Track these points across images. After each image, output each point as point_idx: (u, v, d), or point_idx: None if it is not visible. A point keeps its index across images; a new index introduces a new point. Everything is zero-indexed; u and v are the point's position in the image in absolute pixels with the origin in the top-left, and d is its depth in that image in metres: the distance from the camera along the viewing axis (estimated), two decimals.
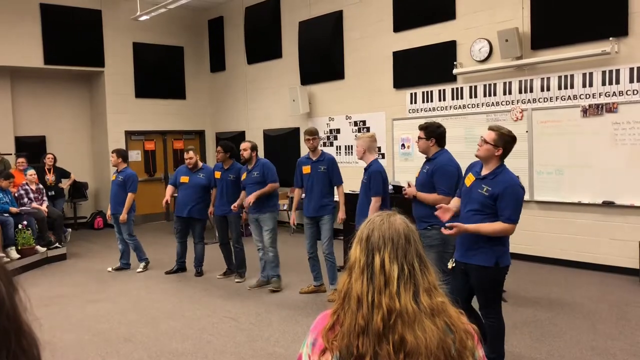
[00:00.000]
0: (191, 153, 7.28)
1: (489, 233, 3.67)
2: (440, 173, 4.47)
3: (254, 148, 6.49)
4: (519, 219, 3.69)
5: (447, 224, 3.77)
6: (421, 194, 4.58)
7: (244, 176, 6.56)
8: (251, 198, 6.28)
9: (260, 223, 6.43)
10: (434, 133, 4.59)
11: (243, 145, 6.52)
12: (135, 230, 7.78)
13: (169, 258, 7.66)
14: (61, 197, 10.21)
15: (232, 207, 6.62)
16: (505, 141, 3.71)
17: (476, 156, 3.85)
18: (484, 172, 3.79)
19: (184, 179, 7.29)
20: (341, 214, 6.07)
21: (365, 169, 5.47)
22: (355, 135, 9.63)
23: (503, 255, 3.74)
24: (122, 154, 7.72)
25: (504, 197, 3.63)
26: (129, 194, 7.49)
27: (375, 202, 5.30)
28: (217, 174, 7.03)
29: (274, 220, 6.46)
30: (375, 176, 5.33)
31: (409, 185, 4.73)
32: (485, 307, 3.83)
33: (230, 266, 7.09)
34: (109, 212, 7.74)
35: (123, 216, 7.43)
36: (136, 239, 7.65)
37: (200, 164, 7.38)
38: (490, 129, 3.79)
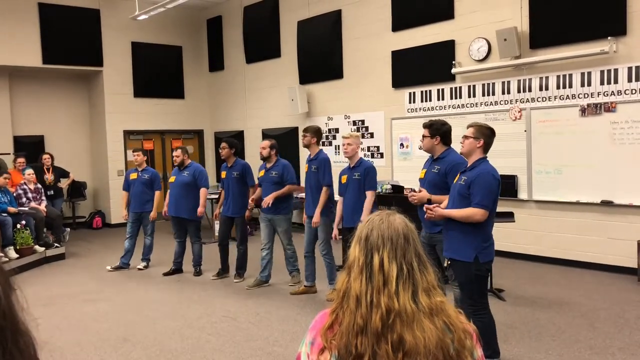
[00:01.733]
0: (178, 152, 7.35)
1: (459, 217, 3.80)
2: (455, 172, 4.29)
3: (273, 147, 6.49)
4: (489, 205, 3.78)
5: (425, 206, 4.01)
6: (437, 197, 4.39)
7: (261, 173, 6.55)
8: (269, 199, 6.25)
9: (274, 224, 6.42)
10: (438, 131, 4.53)
11: (262, 144, 6.51)
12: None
13: (168, 258, 7.65)
14: (60, 197, 10.20)
15: (249, 201, 6.56)
16: (484, 133, 3.93)
17: (461, 153, 4.06)
18: (468, 166, 3.98)
19: (172, 178, 7.37)
20: (315, 218, 5.87)
21: (354, 167, 5.55)
22: (362, 136, 9.65)
23: (483, 251, 3.81)
24: (145, 154, 7.87)
25: (475, 183, 3.79)
26: (158, 192, 7.60)
27: (372, 195, 5.42)
28: (223, 174, 7.03)
29: (288, 222, 6.49)
30: (372, 172, 5.52)
31: (419, 191, 4.56)
32: (472, 304, 3.86)
33: (224, 267, 7.06)
34: (124, 212, 7.72)
35: (154, 214, 7.54)
36: (151, 237, 7.75)
37: (188, 162, 7.38)
38: (469, 126, 4.03)
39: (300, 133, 6.50)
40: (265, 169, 6.49)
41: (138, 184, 7.63)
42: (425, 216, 3.99)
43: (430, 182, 4.54)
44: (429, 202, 4.41)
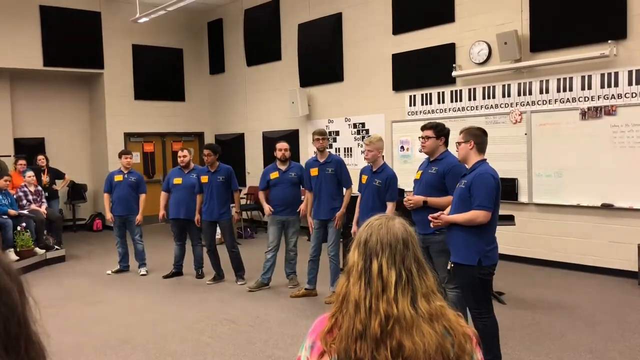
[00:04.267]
0: (185, 152, 7.29)
1: (463, 221, 3.80)
2: (453, 174, 4.34)
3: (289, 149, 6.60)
4: (490, 206, 3.77)
5: (430, 216, 3.99)
6: (433, 199, 4.42)
7: (274, 175, 6.49)
8: (341, 215, 5.97)
9: (287, 225, 6.44)
10: (443, 132, 4.56)
11: (284, 145, 6.52)
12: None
13: (167, 260, 7.64)
14: (55, 199, 10.06)
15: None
16: (473, 134, 3.96)
17: (458, 160, 4.09)
18: (467, 170, 4.00)
19: (177, 180, 7.20)
20: (340, 216, 5.92)
21: (376, 172, 5.35)
22: (362, 138, 9.65)
23: (487, 254, 3.80)
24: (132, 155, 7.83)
25: (474, 185, 3.80)
26: (143, 195, 7.56)
27: (392, 207, 5.29)
28: (204, 179, 6.88)
29: (299, 222, 6.57)
30: (394, 181, 5.33)
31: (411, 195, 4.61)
32: (475, 308, 3.85)
33: (219, 272, 7.02)
34: (109, 215, 7.60)
35: (140, 217, 7.48)
36: (142, 241, 7.68)
37: (192, 164, 7.35)
38: (460, 132, 4.06)
39: (307, 136, 6.48)
40: (281, 171, 6.47)
41: (124, 187, 7.50)
42: (431, 224, 3.98)
43: (428, 183, 4.54)
44: (425, 204, 4.44)
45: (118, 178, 7.56)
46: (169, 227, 10.95)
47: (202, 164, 7.81)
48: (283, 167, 6.49)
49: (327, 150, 6.26)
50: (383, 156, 5.50)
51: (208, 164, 6.88)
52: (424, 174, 4.62)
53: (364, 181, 5.48)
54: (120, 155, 7.74)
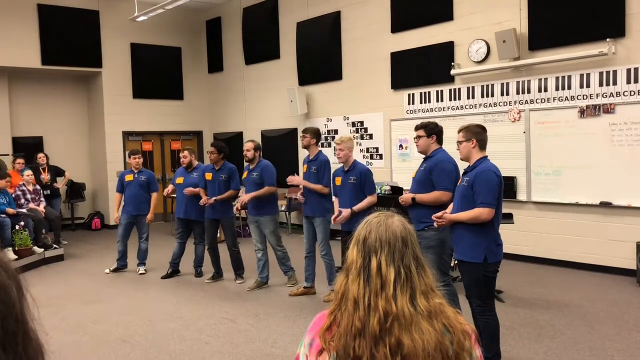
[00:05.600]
0: (185, 152, 7.31)
1: (467, 219, 3.82)
2: (439, 169, 4.50)
3: (257, 148, 6.52)
4: (493, 203, 3.79)
5: (433, 215, 4.01)
6: (420, 195, 4.56)
7: (244, 175, 6.56)
8: (245, 198, 6.35)
9: (260, 226, 6.43)
10: (434, 130, 4.65)
11: (247, 146, 6.52)
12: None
13: (167, 260, 7.63)
14: (57, 197, 10.07)
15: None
16: (473, 132, 3.99)
17: (461, 159, 4.10)
18: (469, 167, 4.02)
19: (179, 179, 7.27)
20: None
21: (348, 171, 5.64)
22: (361, 137, 9.66)
23: (492, 251, 3.82)
24: (142, 155, 7.81)
25: (476, 183, 3.81)
26: (155, 194, 7.59)
27: (373, 199, 5.51)
28: (208, 176, 6.91)
29: (274, 222, 6.49)
30: (369, 175, 5.63)
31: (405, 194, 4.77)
32: (478, 305, 3.87)
33: (218, 270, 7.03)
34: (117, 214, 7.54)
35: (151, 216, 7.51)
36: (147, 241, 7.67)
37: (196, 163, 7.36)
38: (459, 130, 4.08)
39: (300, 134, 6.53)
40: (248, 170, 6.52)
41: (135, 186, 7.51)
42: (435, 224, 4.02)
43: (418, 180, 4.67)
44: (413, 200, 4.58)
45: (129, 177, 7.59)
46: (168, 227, 11.00)
47: (201, 162, 7.84)
48: (251, 167, 6.52)
49: (319, 148, 6.26)
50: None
51: (212, 161, 6.92)
52: (417, 172, 4.76)
53: (338, 183, 5.75)
54: (129, 155, 7.78)
